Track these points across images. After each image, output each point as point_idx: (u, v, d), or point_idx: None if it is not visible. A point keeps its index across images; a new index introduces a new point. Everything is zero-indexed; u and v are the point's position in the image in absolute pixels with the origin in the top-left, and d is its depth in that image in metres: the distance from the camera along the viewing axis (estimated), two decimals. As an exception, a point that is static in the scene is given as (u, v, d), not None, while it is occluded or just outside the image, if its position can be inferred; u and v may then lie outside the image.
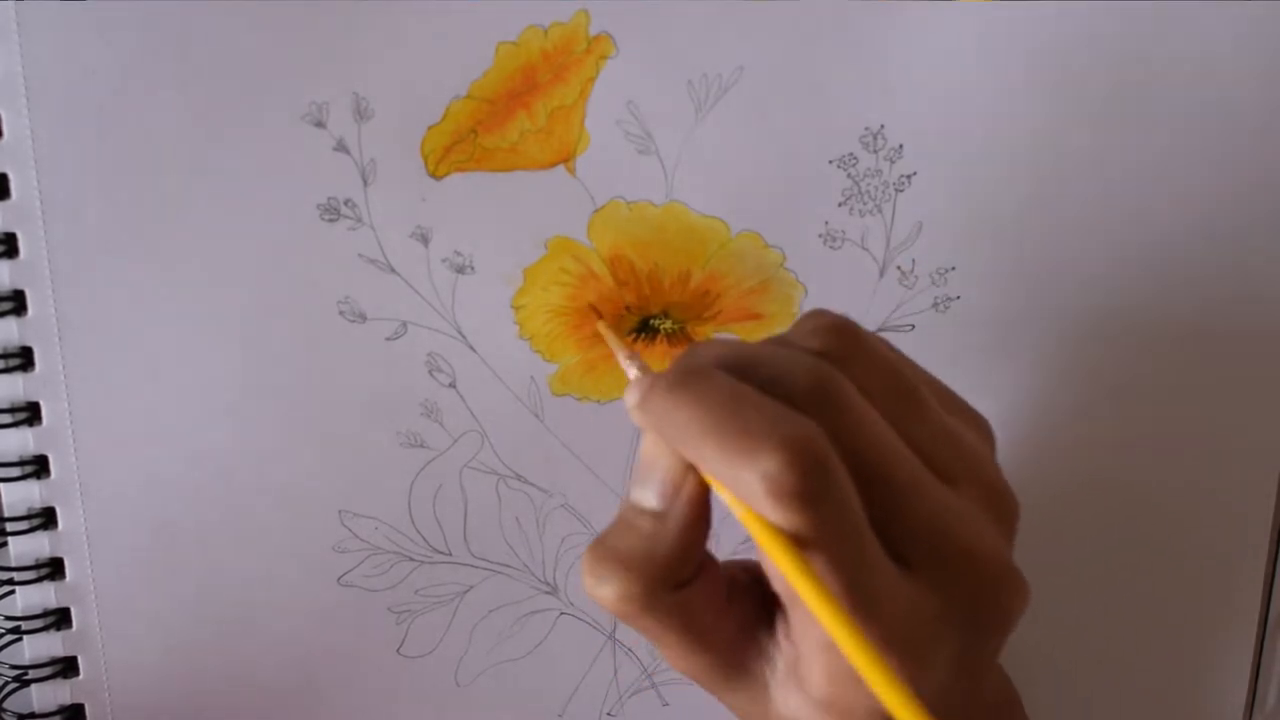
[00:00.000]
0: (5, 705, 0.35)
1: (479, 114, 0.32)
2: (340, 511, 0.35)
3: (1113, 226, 0.35)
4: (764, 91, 0.33)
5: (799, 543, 0.22)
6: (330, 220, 0.33)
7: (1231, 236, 0.36)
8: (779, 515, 0.22)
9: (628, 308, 0.34)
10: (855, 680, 0.23)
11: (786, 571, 0.22)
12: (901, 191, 0.34)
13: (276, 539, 0.35)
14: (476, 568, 0.36)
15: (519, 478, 0.36)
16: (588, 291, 0.34)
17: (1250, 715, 0.40)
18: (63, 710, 0.35)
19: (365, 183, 0.32)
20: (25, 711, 0.35)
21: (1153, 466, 0.38)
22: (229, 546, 0.35)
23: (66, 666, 0.35)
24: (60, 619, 0.34)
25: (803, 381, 0.24)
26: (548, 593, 0.37)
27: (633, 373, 0.29)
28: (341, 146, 0.32)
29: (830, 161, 0.34)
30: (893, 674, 0.21)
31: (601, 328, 0.34)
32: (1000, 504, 0.26)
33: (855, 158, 0.34)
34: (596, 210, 0.33)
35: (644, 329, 0.35)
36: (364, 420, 0.34)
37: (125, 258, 0.32)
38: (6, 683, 0.34)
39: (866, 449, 0.24)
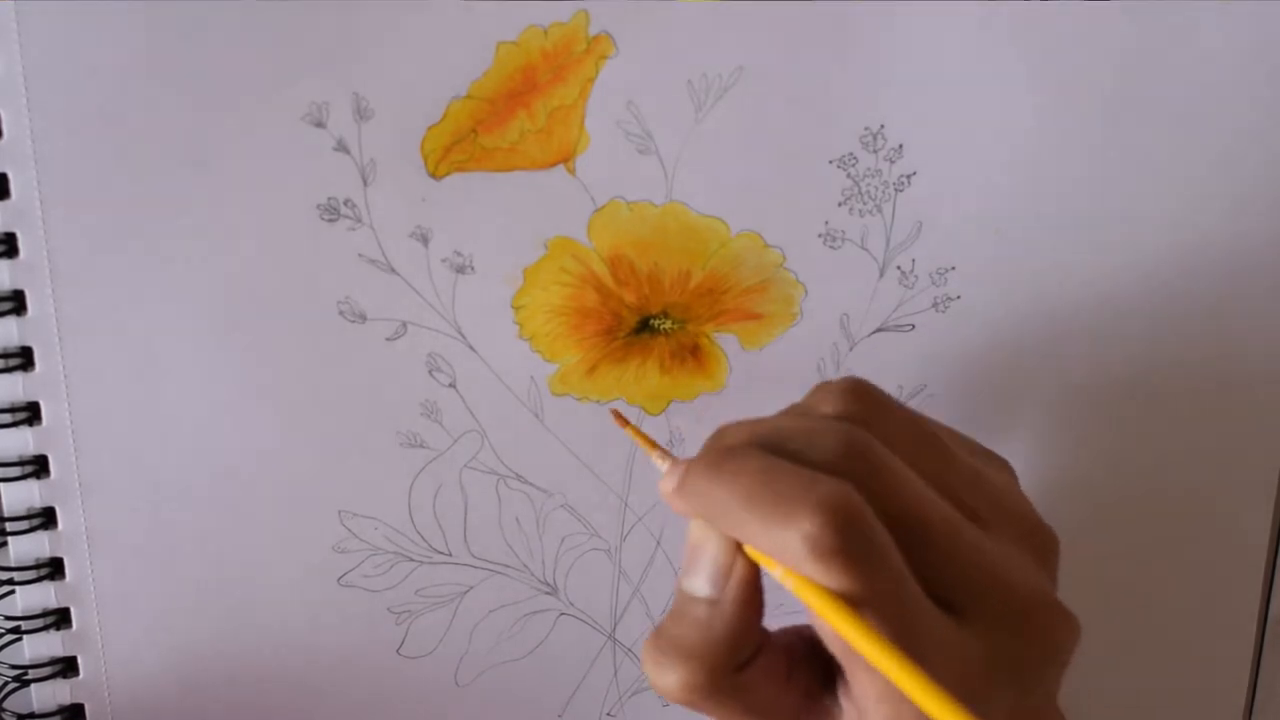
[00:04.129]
0: (5, 705, 0.35)
1: (479, 114, 0.32)
2: (340, 511, 0.35)
3: (1112, 226, 0.35)
4: (764, 91, 0.33)
5: (847, 601, 0.23)
6: (330, 220, 0.33)
7: (1231, 236, 0.36)
8: (823, 575, 0.23)
9: (628, 308, 0.34)
10: None
11: (839, 627, 0.23)
12: (901, 191, 0.34)
13: (276, 539, 0.35)
14: (476, 568, 0.36)
15: (519, 478, 0.36)
16: (588, 291, 0.34)
17: (1250, 716, 0.40)
18: (63, 710, 0.35)
19: (365, 183, 0.32)
20: (25, 711, 0.35)
21: (1152, 466, 0.38)
22: (229, 546, 0.35)
23: (66, 666, 0.35)
24: (60, 619, 0.34)
25: (831, 446, 0.24)
26: (548, 593, 0.37)
27: (662, 464, 0.30)
28: (341, 146, 0.32)
29: (830, 161, 0.34)
30: (958, 704, 0.22)
31: (629, 430, 0.34)
32: (1037, 540, 0.27)
33: (855, 158, 0.34)
34: (596, 210, 0.33)
35: (644, 329, 0.35)
36: (364, 420, 0.34)
37: (125, 258, 0.32)
38: (6, 683, 0.34)
39: (901, 502, 0.24)
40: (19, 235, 0.31)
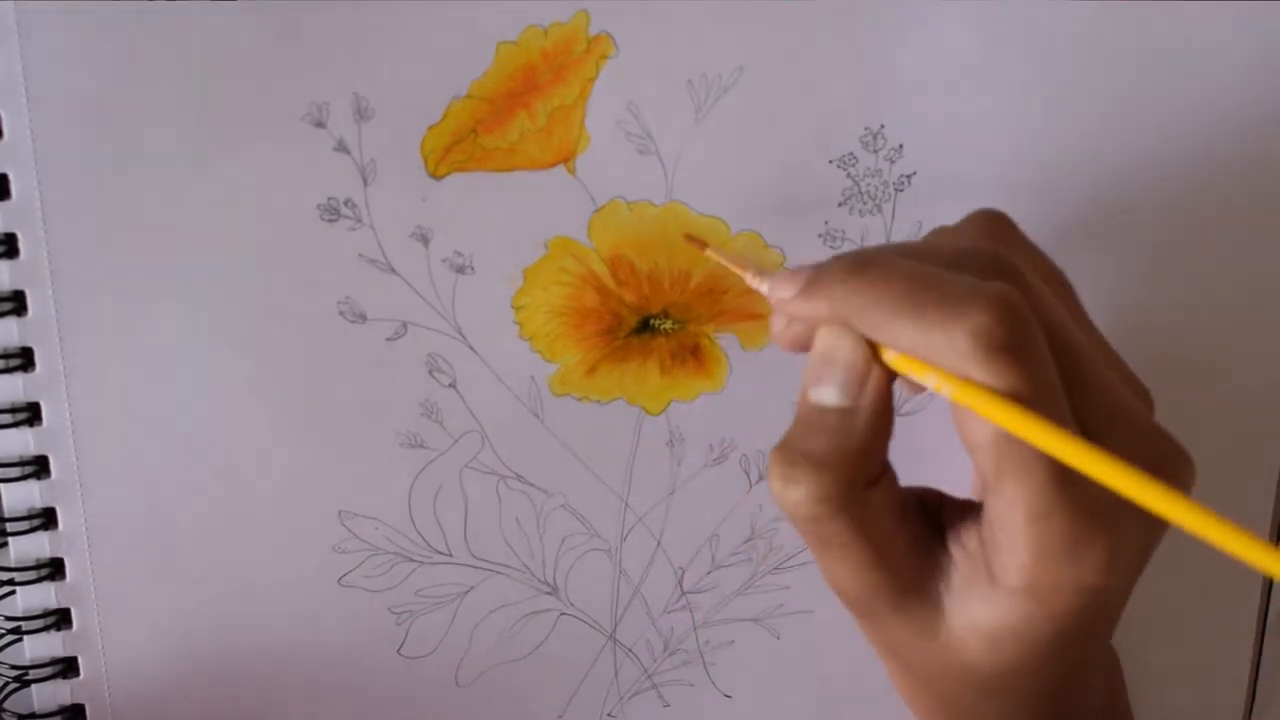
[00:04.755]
0: (5, 705, 0.35)
1: (479, 114, 0.32)
2: (340, 511, 0.35)
3: (1112, 226, 0.35)
4: (764, 91, 0.33)
5: (1013, 400, 0.22)
6: (330, 220, 0.33)
7: (1231, 236, 0.36)
8: (990, 373, 0.22)
9: (628, 307, 0.34)
10: (1066, 553, 0.23)
11: (1006, 423, 0.22)
12: (901, 191, 0.34)
13: (276, 539, 0.35)
14: (476, 568, 0.36)
15: (519, 478, 0.36)
16: (588, 291, 0.34)
17: (1250, 716, 0.40)
18: (63, 710, 0.35)
19: (365, 183, 0.32)
20: (25, 711, 0.35)
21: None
22: (229, 547, 0.35)
23: (66, 666, 0.35)
24: (60, 619, 0.34)
25: (984, 263, 0.24)
26: (548, 593, 0.37)
27: (762, 286, 0.28)
28: (341, 146, 0.32)
29: (830, 161, 0.34)
30: (1148, 478, 0.21)
31: (711, 252, 0.32)
32: (1141, 390, 0.27)
33: (855, 158, 0.34)
34: (596, 210, 0.33)
35: (644, 329, 0.35)
36: (364, 420, 0.34)
37: (125, 258, 0.32)
38: (6, 683, 0.34)
39: (1054, 321, 0.24)
40: (19, 235, 0.31)
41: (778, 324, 0.26)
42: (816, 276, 0.25)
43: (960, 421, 0.24)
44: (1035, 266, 0.26)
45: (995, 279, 0.23)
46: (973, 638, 0.25)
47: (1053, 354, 0.23)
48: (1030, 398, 0.22)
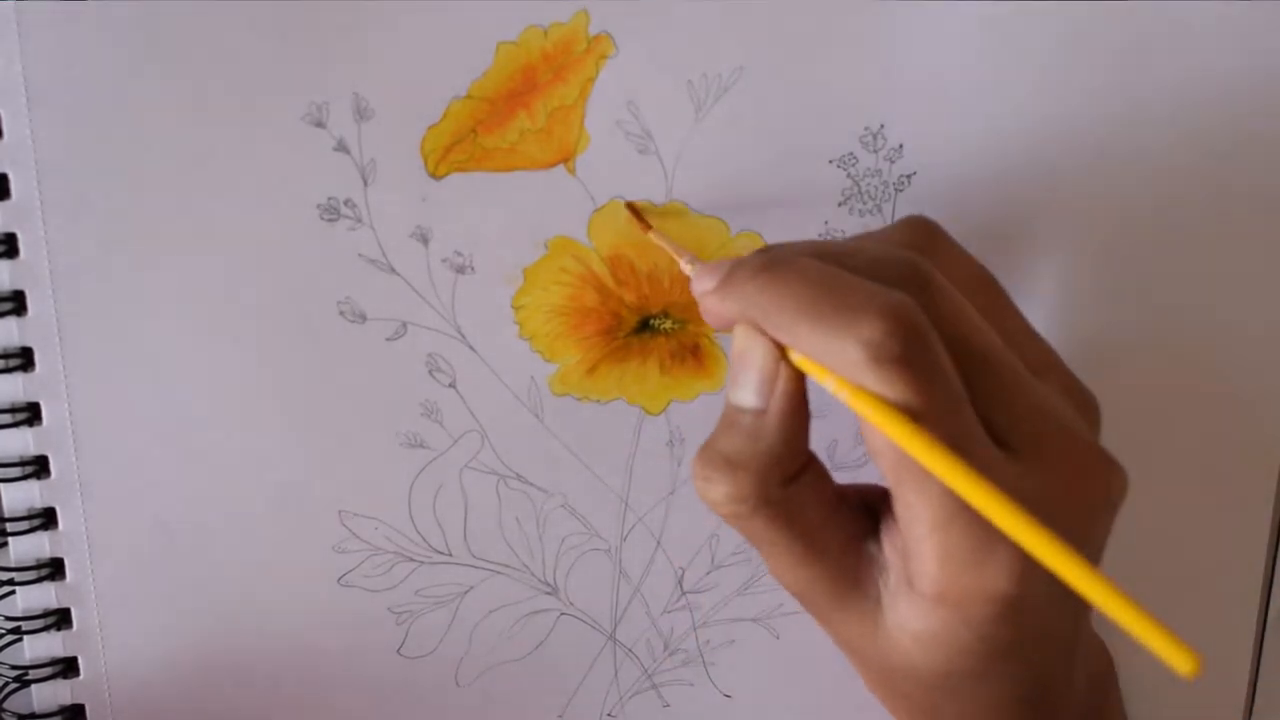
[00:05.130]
0: (5, 705, 0.35)
1: (479, 114, 0.32)
2: (340, 511, 0.35)
3: (1112, 227, 0.35)
4: (764, 91, 0.33)
5: (905, 412, 0.22)
6: (330, 220, 0.33)
7: (1232, 236, 0.36)
8: (882, 383, 0.22)
9: (628, 307, 0.34)
10: (969, 561, 0.23)
11: (894, 435, 0.22)
12: (901, 191, 0.34)
13: (276, 539, 0.35)
14: (477, 568, 0.36)
15: (519, 478, 0.36)
16: (588, 291, 0.34)
17: (1250, 716, 0.40)
18: (63, 710, 0.35)
19: (365, 183, 0.32)
20: (25, 711, 0.35)
21: (1153, 466, 0.38)
22: (229, 547, 0.35)
23: (66, 666, 0.35)
24: (60, 619, 0.34)
25: (894, 268, 0.24)
26: (548, 593, 0.37)
27: (688, 267, 0.28)
28: (341, 146, 0.32)
29: (830, 161, 0.34)
30: (1021, 511, 0.21)
31: (654, 236, 0.32)
32: (1083, 400, 0.27)
33: (855, 158, 0.34)
34: (596, 210, 0.33)
35: (644, 329, 0.35)
36: (364, 420, 0.34)
37: (125, 258, 0.32)
38: (6, 683, 0.34)
39: (962, 332, 0.24)
40: (19, 235, 0.31)
41: (704, 314, 0.26)
42: (731, 274, 0.25)
43: (863, 427, 0.24)
44: (960, 273, 0.26)
45: (904, 287, 0.23)
46: (908, 639, 0.25)
47: (964, 365, 0.23)
48: (921, 410, 0.22)
